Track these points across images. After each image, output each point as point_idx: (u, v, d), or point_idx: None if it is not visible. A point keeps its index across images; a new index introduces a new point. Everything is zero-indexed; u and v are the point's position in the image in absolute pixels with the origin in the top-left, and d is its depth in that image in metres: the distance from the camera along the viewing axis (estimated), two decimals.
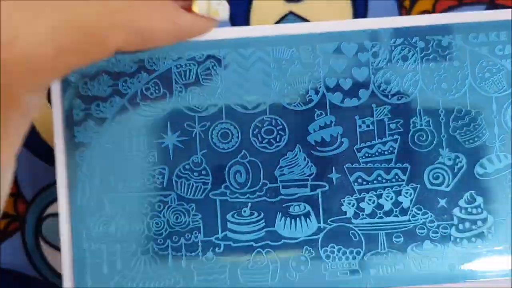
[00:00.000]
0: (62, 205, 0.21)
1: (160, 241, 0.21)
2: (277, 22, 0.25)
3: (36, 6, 0.15)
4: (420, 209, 0.21)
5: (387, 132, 0.22)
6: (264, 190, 0.21)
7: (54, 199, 0.25)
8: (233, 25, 0.24)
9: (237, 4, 0.21)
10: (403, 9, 0.25)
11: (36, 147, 0.26)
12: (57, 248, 0.25)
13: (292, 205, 0.21)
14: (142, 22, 0.17)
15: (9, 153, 0.17)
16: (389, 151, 0.22)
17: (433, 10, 0.25)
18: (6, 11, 0.15)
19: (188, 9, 0.18)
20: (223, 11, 0.19)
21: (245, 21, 0.24)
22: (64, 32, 0.16)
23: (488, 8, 0.25)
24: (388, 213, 0.21)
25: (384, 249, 0.21)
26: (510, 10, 0.22)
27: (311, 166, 0.21)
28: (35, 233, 0.25)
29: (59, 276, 0.25)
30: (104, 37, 0.16)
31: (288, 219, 0.21)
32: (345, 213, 0.21)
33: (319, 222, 0.21)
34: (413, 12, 0.25)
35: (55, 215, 0.25)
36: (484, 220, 0.21)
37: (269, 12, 0.25)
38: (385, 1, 0.25)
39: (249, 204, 0.21)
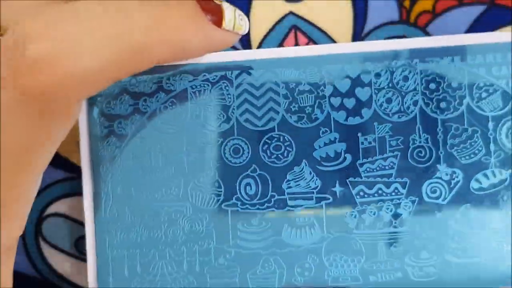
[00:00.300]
0: (88, 216, 0.23)
1: (176, 247, 0.23)
2: (277, 22, 0.25)
3: (91, 19, 0.16)
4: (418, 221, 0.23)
5: (387, 149, 0.23)
6: (272, 202, 0.23)
7: (54, 199, 0.26)
8: None
9: (236, 4, 0.22)
10: (403, 9, 0.25)
11: None
12: (57, 248, 0.26)
13: (298, 216, 0.23)
14: (183, 37, 0.18)
15: (44, 165, 0.18)
16: (390, 166, 0.23)
17: (433, 10, 0.25)
18: (66, 25, 0.15)
19: (216, 23, 0.19)
20: (245, 26, 0.21)
21: None
22: (115, 45, 0.16)
23: (488, 9, 0.25)
24: (387, 224, 0.23)
25: (383, 258, 0.23)
26: (509, 33, 0.23)
27: (316, 179, 0.23)
28: (35, 233, 0.26)
29: (59, 276, 0.26)
30: (149, 51, 0.17)
31: (294, 228, 0.23)
32: (347, 223, 0.23)
33: (322, 232, 0.23)
34: (413, 12, 0.25)
35: (55, 215, 0.26)
36: (479, 232, 0.23)
37: (269, 12, 0.25)
38: (385, 1, 0.25)
39: (258, 215, 0.23)
